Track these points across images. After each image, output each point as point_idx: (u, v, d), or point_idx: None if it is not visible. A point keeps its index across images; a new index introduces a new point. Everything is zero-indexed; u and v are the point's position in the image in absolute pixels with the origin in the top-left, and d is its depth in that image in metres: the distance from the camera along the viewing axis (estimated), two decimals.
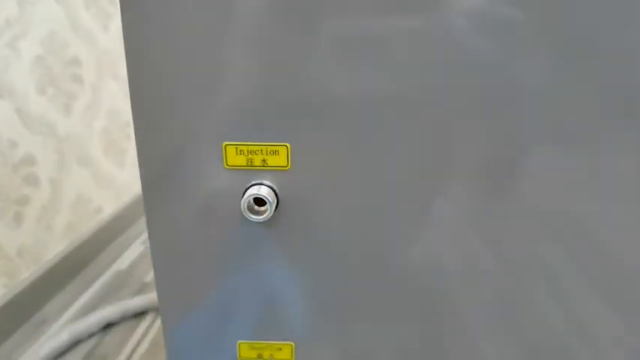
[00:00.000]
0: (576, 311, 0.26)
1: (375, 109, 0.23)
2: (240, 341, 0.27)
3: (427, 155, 0.24)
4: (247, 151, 0.24)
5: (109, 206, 0.91)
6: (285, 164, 0.24)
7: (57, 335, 0.64)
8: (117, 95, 0.93)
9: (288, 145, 0.24)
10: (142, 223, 0.96)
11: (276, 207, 0.24)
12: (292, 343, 0.27)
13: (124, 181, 0.96)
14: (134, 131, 0.24)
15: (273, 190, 0.24)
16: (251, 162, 0.24)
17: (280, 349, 0.27)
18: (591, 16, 0.22)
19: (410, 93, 0.23)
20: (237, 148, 0.24)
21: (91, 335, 0.67)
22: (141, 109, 0.23)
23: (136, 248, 0.86)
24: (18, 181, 0.70)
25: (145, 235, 0.90)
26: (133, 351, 0.63)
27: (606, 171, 0.24)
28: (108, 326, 0.68)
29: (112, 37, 0.91)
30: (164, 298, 0.27)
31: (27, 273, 0.72)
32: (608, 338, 0.27)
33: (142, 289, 0.76)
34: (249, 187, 0.24)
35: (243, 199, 0.23)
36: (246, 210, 0.24)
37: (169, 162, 0.24)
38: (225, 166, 0.24)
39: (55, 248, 0.78)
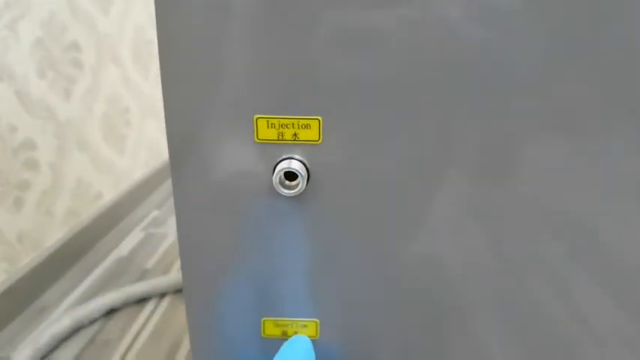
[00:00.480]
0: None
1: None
2: (264, 318, 0.27)
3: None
4: (279, 124, 0.23)
5: (108, 192, 0.90)
6: (317, 138, 0.24)
7: (58, 321, 0.63)
8: (116, 81, 0.92)
9: (320, 118, 0.23)
10: (142, 209, 0.95)
11: (307, 181, 0.24)
12: (317, 320, 0.27)
13: (124, 167, 0.95)
14: (163, 100, 0.23)
15: (304, 165, 0.24)
16: (282, 136, 0.24)
17: (305, 326, 0.27)
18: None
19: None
20: (268, 122, 0.23)
21: (93, 321, 0.66)
22: (171, 79, 0.23)
23: (136, 235, 0.85)
24: (18, 166, 0.69)
25: (145, 222, 0.90)
26: (136, 336, 0.63)
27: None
28: (110, 312, 0.67)
29: (111, 22, 0.89)
30: (188, 274, 0.27)
31: (27, 258, 0.71)
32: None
33: (142, 276, 0.76)
34: (279, 162, 0.24)
35: (275, 173, 0.23)
36: (278, 184, 0.23)
37: (198, 134, 0.24)
38: (256, 140, 0.24)
39: (55, 234, 0.77)
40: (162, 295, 0.71)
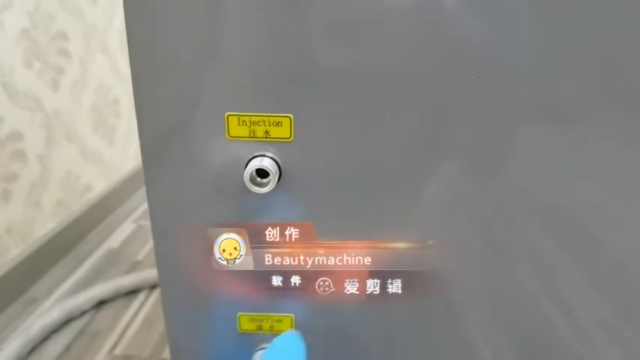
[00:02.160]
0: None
1: (370, 86, 0.23)
2: (240, 313, 0.27)
3: (419, 133, 0.24)
4: (250, 121, 0.23)
5: (98, 184, 0.90)
6: (288, 136, 0.24)
7: (48, 312, 0.64)
8: (105, 71, 0.91)
9: (291, 116, 0.23)
10: (133, 201, 0.95)
11: (279, 179, 0.24)
12: (292, 315, 0.27)
13: (114, 158, 0.95)
14: (134, 102, 0.23)
15: (276, 162, 0.24)
16: (253, 133, 0.24)
17: (280, 320, 0.27)
18: None
19: (402, 72, 0.23)
20: (239, 119, 0.23)
21: (83, 313, 0.66)
22: (142, 79, 0.23)
23: (127, 227, 0.85)
24: (5, 157, 0.68)
25: (136, 214, 0.90)
26: (126, 328, 0.63)
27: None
28: (100, 304, 0.68)
29: (100, 11, 0.88)
30: (164, 272, 0.27)
31: (16, 250, 0.71)
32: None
33: (133, 268, 0.76)
34: (251, 159, 0.24)
35: (246, 171, 0.23)
36: (249, 182, 0.23)
37: (170, 133, 0.24)
38: (228, 137, 0.24)
39: (44, 226, 0.77)
40: (152, 286, 0.71)
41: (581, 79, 0.23)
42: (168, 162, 0.25)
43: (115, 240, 0.82)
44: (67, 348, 0.61)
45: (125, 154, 0.99)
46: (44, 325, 0.62)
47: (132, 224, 0.86)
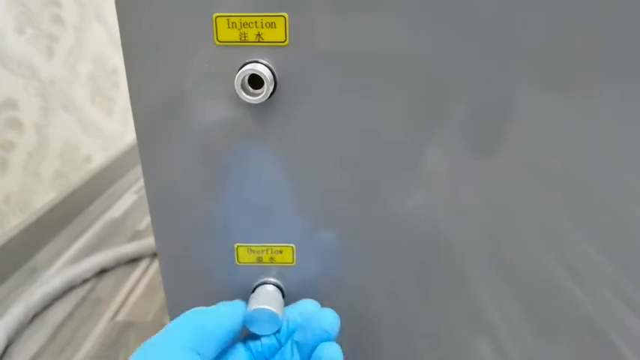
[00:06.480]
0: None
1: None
2: (237, 244, 0.25)
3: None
4: (240, 23, 0.21)
5: (96, 155, 0.88)
6: (283, 39, 0.21)
7: (50, 280, 0.63)
8: (103, 41, 0.89)
9: (285, 15, 0.21)
10: (135, 173, 0.93)
11: (274, 89, 0.22)
12: (293, 246, 0.26)
13: (112, 130, 0.93)
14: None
15: (270, 70, 0.22)
16: (244, 36, 0.21)
17: (281, 251, 0.25)
18: None
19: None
20: (228, 20, 0.21)
21: (84, 281, 0.65)
22: None
23: (129, 198, 0.84)
24: (0, 125, 0.67)
25: (138, 185, 0.88)
26: (129, 294, 0.62)
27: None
28: (102, 272, 0.67)
29: None
30: (155, 202, 0.25)
31: (15, 220, 0.69)
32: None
33: (135, 237, 0.75)
34: (243, 65, 0.21)
35: (237, 76, 0.21)
36: (240, 90, 0.21)
37: (155, 32, 0.22)
38: (217, 42, 0.22)
39: (43, 196, 0.75)
40: (154, 254, 0.70)
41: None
42: (151, 72, 0.23)
43: (117, 210, 0.80)
44: (70, 315, 0.60)
45: (125, 125, 0.97)
46: (45, 292, 0.61)
47: (133, 195, 0.85)
